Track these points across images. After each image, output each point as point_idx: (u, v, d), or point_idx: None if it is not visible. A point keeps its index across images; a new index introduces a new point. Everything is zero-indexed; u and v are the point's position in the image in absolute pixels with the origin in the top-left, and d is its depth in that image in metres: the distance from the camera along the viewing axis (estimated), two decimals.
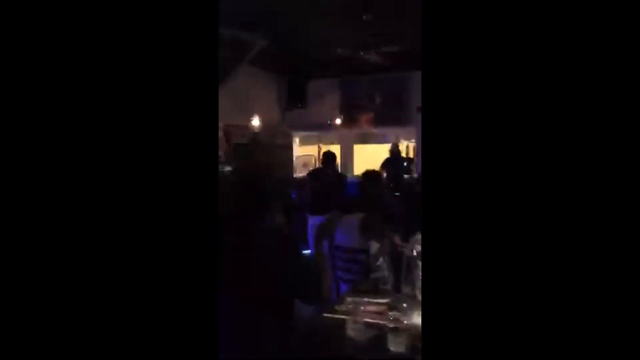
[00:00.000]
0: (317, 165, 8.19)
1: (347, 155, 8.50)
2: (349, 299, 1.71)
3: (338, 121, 7.93)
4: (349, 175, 8.10)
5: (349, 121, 8.03)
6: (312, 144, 8.67)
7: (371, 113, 7.92)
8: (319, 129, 8.34)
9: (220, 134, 6.95)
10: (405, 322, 1.59)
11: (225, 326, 1.64)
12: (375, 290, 2.09)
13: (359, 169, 8.16)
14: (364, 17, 4.85)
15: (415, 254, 2.00)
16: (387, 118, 7.73)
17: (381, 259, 2.24)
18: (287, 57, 6.84)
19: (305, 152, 8.36)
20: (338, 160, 8.32)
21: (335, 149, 8.60)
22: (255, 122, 7.23)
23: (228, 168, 5.78)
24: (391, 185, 5.91)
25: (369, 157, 7.79)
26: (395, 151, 7.03)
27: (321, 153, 8.42)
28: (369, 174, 3.10)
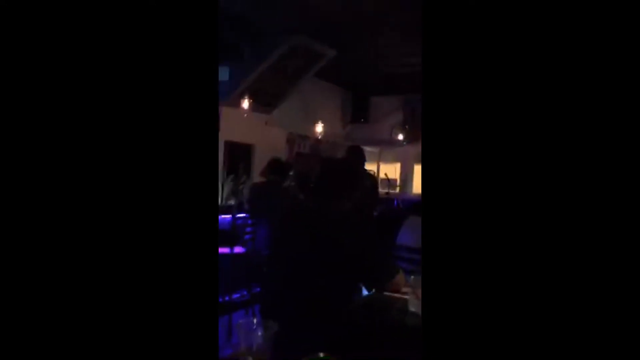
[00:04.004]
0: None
1: (408, 173, 8.40)
2: (412, 277, 1.67)
3: (400, 137, 7.88)
4: (408, 193, 8.02)
5: (410, 138, 7.96)
6: (372, 160, 8.65)
7: None
8: (381, 144, 8.31)
9: (283, 142, 7.11)
10: None
11: (292, 291, 1.65)
12: None
13: (418, 188, 8.04)
14: None
15: None
16: None
17: None
18: (353, 71, 6.92)
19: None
20: (397, 177, 8.25)
21: (396, 167, 8.55)
22: (318, 133, 7.32)
23: (290, 172, 5.88)
24: None
25: None
26: None
27: (381, 171, 8.38)
28: None
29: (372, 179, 4.55)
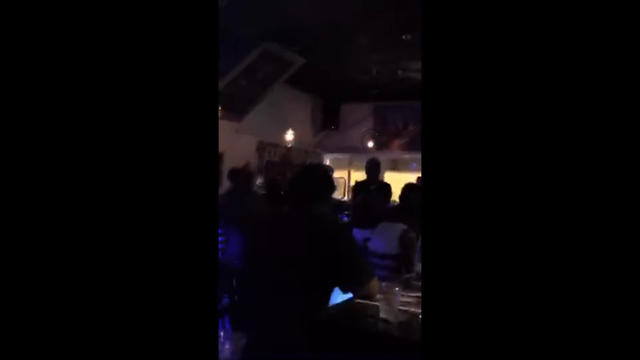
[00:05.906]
0: (347, 188, 8.17)
1: None
2: (384, 284, 1.67)
3: (370, 144, 7.94)
4: None
5: (381, 145, 8.03)
6: (342, 167, 8.67)
7: (404, 139, 7.91)
8: (351, 152, 8.36)
9: (254, 150, 7.06)
10: None
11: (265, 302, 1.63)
12: (407, 287, 2.04)
13: None
14: (404, 37, 4.90)
15: None
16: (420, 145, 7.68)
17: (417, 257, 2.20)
18: (324, 78, 6.95)
19: (335, 175, 8.37)
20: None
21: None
22: (288, 140, 7.31)
23: (260, 181, 5.84)
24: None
25: (398, 184, 7.74)
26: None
27: (351, 177, 8.41)
28: (410, 186, 3.16)
29: (386, 186, 4.71)
